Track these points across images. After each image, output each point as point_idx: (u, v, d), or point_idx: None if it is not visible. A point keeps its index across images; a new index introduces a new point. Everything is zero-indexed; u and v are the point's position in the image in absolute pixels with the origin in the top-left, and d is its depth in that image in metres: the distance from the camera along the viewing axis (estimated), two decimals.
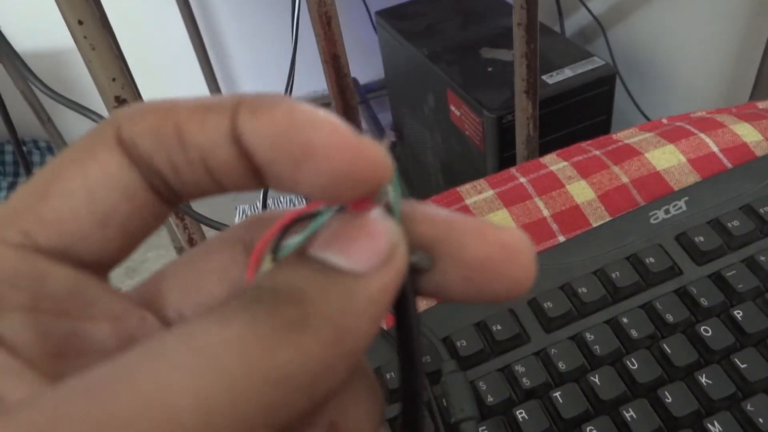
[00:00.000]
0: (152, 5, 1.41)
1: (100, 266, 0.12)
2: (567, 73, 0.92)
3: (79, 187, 0.11)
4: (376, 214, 0.12)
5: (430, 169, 1.22)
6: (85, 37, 0.41)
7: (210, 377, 0.09)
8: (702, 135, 0.43)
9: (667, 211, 0.35)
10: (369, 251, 0.11)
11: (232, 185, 0.12)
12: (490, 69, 0.98)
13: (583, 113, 0.95)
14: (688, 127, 0.44)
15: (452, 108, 0.99)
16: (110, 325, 0.12)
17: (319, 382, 0.10)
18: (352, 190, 0.11)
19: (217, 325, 0.10)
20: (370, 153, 0.11)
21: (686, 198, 0.35)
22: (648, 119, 1.11)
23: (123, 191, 0.12)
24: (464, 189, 0.45)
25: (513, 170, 0.45)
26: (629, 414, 0.27)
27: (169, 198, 0.12)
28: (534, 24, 0.59)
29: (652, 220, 0.35)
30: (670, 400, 0.28)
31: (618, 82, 0.98)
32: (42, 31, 1.31)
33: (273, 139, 0.11)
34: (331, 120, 0.11)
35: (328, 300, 0.11)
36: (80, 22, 0.40)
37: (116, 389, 0.09)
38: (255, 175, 0.12)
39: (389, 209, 0.12)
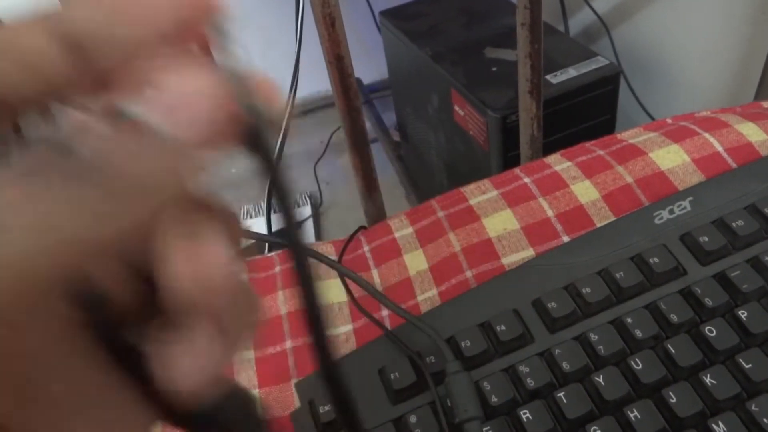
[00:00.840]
0: None
1: None
2: (571, 72, 0.92)
3: None
4: None
5: (434, 169, 1.22)
6: None
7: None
8: (706, 135, 0.43)
9: (671, 211, 0.35)
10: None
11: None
12: (494, 69, 0.98)
13: (587, 113, 0.94)
14: (692, 126, 0.44)
15: (456, 108, 0.99)
16: None
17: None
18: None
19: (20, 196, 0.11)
20: None
21: (690, 198, 0.35)
22: (652, 118, 1.11)
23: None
24: (468, 189, 0.45)
25: (517, 170, 0.45)
26: (633, 414, 0.27)
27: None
28: (538, 24, 0.59)
29: (656, 220, 0.35)
30: (674, 400, 0.28)
31: (622, 81, 0.98)
32: None
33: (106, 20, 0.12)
34: None
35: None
36: None
37: None
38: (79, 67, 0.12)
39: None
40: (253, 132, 0.13)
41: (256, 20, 1.49)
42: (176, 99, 0.12)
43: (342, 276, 0.39)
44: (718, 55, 1.00)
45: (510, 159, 0.92)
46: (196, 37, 0.13)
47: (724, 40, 0.98)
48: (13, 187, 0.11)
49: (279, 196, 0.13)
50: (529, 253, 0.38)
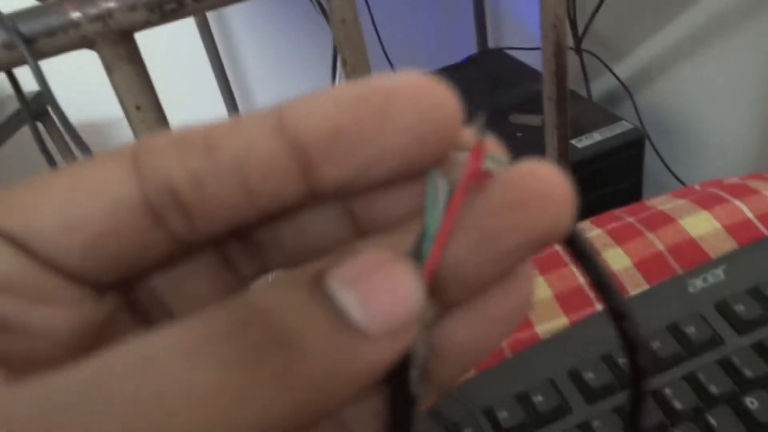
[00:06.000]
0: (192, 82, 1.48)
1: (94, 283, 0.11)
2: (596, 137, 0.94)
3: (62, 194, 0.10)
4: (410, 262, 0.10)
5: None
6: (142, 122, 0.44)
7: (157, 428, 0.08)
8: (736, 201, 0.43)
9: (705, 279, 0.35)
10: (388, 311, 0.09)
11: (268, 194, 0.10)
12: (519, 134, 1.00)
13: (613, 177, 0.95)
14: (721, 193, 0.45)
15: None
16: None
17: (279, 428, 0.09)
18: (436, 144, 0.10)
19: (187, 360, 0.08)
20: (446, 94, 0.10)
21: (724, 266, 0.35)
22: (680, 180, 1.11)
23: (115, 209, 0.10)
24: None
25: None
26: None
27: (183, 234, 0.10)
28: (564, 96, 0.61)
29: (690, 289, 0.35)
30: None
31: (648, 145, 0.99)
32: (87, 103, 1.38)
33: (338, 108, 0.10)
34: (404, 74, 0.10)
35: (326, 356, 0.09)
36: (138, 108, 0.44)
37: (48, 415, 0.08)
38: (302, 173, 0.10)
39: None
40: (573, 238, 0.11)
41: (295, 82, 1.55)
42: (377, 284, 0.09)
43: None
44: (742, 117, 1.01)
45: None
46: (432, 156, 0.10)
47: (748, 103, 0.99)
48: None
49: (610, 300, 0.12)
50: (562, 321, 0.38)
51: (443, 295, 0.10)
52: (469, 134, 0.11)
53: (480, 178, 0.10)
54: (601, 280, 0.12)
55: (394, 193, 0.11)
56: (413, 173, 0.10)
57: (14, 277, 0.09)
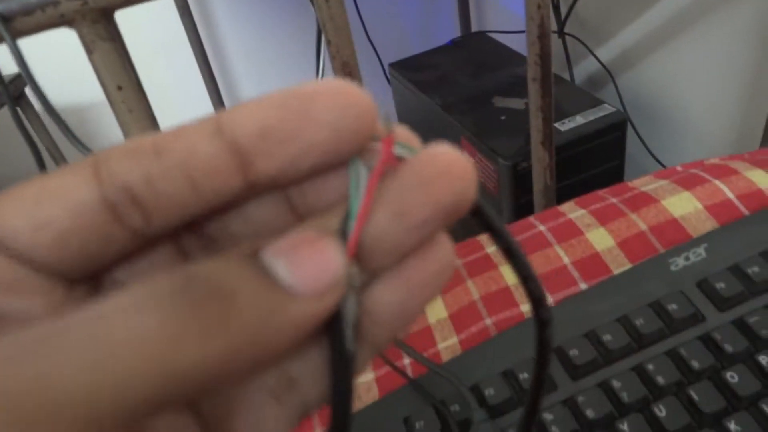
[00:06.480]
0: (172, 63, 1.46)
1: (65, 275, 0.12)
2: (579, 120, 0.94)
3: (30, 200, 0.11)
4: (333, 237, 0.12)
5: None
6: (123, 102, 0.43)
7: (105, 374, 0.09)
8: (717, 182, 0.44)
9: (686, 258, 0.36)
10: (314, 275, 0.11)
11: (212, 189, 0.12)
12: (503, 117, 1.00)
13: (595, 159, 0.96)
14: (702, 174, 0.45)
15: (466, 155, 1.01)
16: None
17: (218, 380, 0.10)
18: (354, 137, 0.11)
19: (132, 313, 0.10)
20: (361, 95, 0.12)
21: (705, 245, 0.36)
22: (661, 163, 1.12)
23: (77, 209, 0.11)
24: (484, 238, 0.46)
25: (532, 219, 0.46)
26: None
27: (141, 229, 0.12)
28: (548, 78, 0.61)
29: (672, 267, 0.35)
30: None
31: (629, 128, 1.00)
32: (66, 85, 1.36)
33: (266, 111, 0.11)
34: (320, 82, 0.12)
35: (256, 308, 0.10)
36: (119, 88, 0.43)
37: (11, 361, 0.09)
38: (239, 169, 0.12)
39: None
40: (479, 210, 0.13)
41: (278, 70, 1.53)
42: (304, 248, 0.11)
43: None
44: (722, 100, 1.02)
45: (521, 206, 0.94)
46: (353, 146, 0.12)
47: (728, 87, 1.00)
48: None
49: (516, 264, 0.14)
50: (547, 300, 0.38)
51: (369, 263, 0.12)
52: (383, 128, 0.12)
53: (393, 163, 0.12)
54: (509, 247, 0.13)
55: (324, 180, 0.13)
56: (337, 163, 0.12)
57: None
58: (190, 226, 0.13)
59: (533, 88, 0.62)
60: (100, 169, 0.11)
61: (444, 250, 0.13)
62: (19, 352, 0.09)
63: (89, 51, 0.44)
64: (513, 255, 0.14)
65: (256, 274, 0.11)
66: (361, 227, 0.12)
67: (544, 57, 0.58)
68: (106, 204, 0.11)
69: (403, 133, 0.13)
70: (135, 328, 0.09)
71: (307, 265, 0.11)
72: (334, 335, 0.12)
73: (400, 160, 0.12)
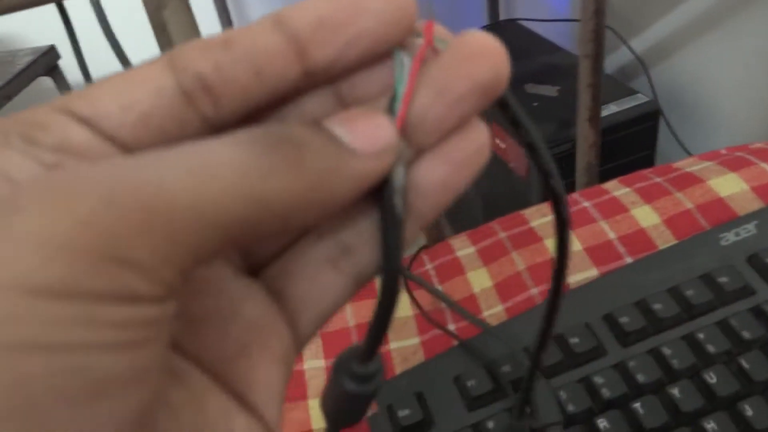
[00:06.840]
0: None
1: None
2: (612, 108, 0.94)
3: (118, 86, 0.13)
4: (386, 115, 0.13)
5: (471, 202, 1.24)
6: None
7: (208, 182, 0.11)
8: (763, 164, 0.44)
9: (737, 234, 0.36)
10: (370, 139, 0.13)
11: (273, 75, 0.13)
12: (534, 104, 1.00)
13: (627, 149, 0.96)
14: (748, 156, 0.45)
15: (497, 141, 1.01)
16: None
17: (290, 215, 0.12)
18: (398, 27, 0.13)
19: (228, 146, 0.12)
20: None
21: (756, 221, 0.36)
22: (690, 155, 1.11)
23: (157, 94, 0.13)
24: (528, 212, 0.46)
25: (576, 195, 0.46)
26: (710, 425, 0.28)
27: (210, 113, 0.13)
28: (600, 55, 0.61)
29: (722, 242, 0.36)
30: (750, 413, 0.28)
31: (661, 118, 0.99)
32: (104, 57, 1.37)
33: (321, 3, 0.13)
34: None
35: (324, 156, 0.12)
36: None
37: (125, 168, 0.11)
38: (297, 57, 0.13)
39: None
40: (506, 102, 0.14)
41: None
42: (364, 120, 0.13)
43: (409, 290, 0.40)
44: (755, 93, 1.02)
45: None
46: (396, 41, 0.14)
47: (760, 79, 0.99)
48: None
49: (539, 160, 0.14)
50: (593, 272, 0.39)
51: (414, 139, 0.14)
52: (421, 24, 0.14)
53: (432, 50, 0.14)
54: (532, 142, 0.14)
55: (371, 73, 0.14)
56: (383, 53, 0.14)
57: (83, 146, 0.12)
58: (252, 120, 0.14)
59: (584, 64, 0.62)
60: (176, 61, 0.13)
61: (480, 132, 0.14)
62: (132, 164, 0.11)
63: (162, 6, 0.44)
64: (536, 150, 0.14)
65: (322, 132, 0.13)
66: (407, 105, 0.13)
67: (599, 32, 0.58)
68: (181, 90, 0.13)
69: (441, 29, 0.14)
70: (233, 157, 0.11)
71: (365, 130, 0.13)
72: (385, 201, 0.13)
73: (438, 50, 0.14)
